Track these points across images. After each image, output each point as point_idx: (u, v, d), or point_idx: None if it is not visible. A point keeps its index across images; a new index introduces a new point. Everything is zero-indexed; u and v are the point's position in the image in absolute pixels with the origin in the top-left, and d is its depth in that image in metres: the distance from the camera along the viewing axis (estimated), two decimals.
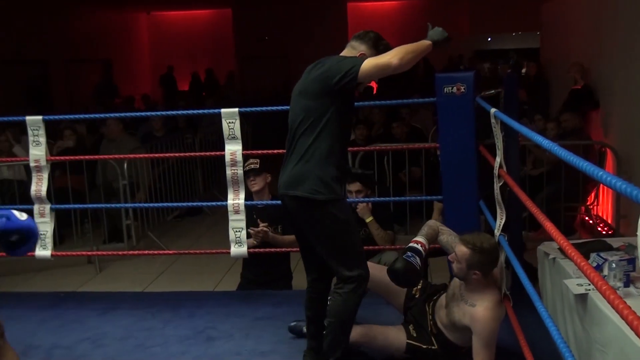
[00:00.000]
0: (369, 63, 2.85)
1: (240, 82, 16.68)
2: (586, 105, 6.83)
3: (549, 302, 3.58)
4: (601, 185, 6.32)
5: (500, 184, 3.36)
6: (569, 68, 7.34)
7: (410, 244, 3.23)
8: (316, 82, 2.95)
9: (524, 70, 10.39)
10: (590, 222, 6.44)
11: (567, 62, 7.65)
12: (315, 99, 2.95)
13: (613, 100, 6.47)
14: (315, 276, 3.26)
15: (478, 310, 3.14)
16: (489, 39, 16.80)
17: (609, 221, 6.27)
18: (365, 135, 7.81)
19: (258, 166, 4.51)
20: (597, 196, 6.49)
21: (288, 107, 4.69)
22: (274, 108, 4.38)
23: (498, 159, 3.35)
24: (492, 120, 3.37)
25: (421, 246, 3.23)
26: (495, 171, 3.40)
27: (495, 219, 3.57)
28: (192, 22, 17.78)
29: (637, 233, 1.26)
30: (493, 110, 3.37)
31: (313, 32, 15.69)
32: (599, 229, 6.22)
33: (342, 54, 3.13)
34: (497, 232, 3.48)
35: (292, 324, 3.83)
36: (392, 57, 2.83)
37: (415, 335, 3.45)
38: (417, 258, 3.17)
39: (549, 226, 2.14)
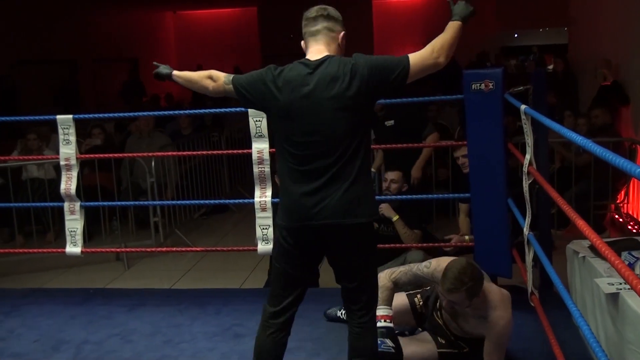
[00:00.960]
0: (416, 62, 2.59)
1: None
2: (616, 102, 6.73)
3: (578, 301, 3.54)
4: (632, 182, 6.25)
5: (530, 181, 3.33)
6: (598, 64, 7.25)
7: (377, 325, 3.04)
8: (361, 93, 2.56)
9: (550, 67, 10.26)
10: (621, 220, 6.35)
11: (596, 58, 7.55)
12: (358, 114, 2.60)
13: None
14: (284, 306, 2.80)
15: (491, 320, 3.13)
16: (516, 35, 16.62)
17: None
18: None
19: None
20: (627, 194, 6.40)
21: None
22: None
23: (528, 156, 3.32)
24: (522, 117, 3.33)
25: (386, 320, 3.27)
26: (525, 168, 3.37)
27: (524, 217, 3.54)
28: (218, 20, 17.84)
29: None
30: (523, 106, 3.34)
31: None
32: (629, 227, 6.12)
33: (317, 44, 2.70)
34: (525, 231, 3.45)
35: (328, 310, 3.87)
36: (438, 55, 2.60)
37: (443, 342, 3.43)
38: (389, 340, 3.23)
39: (580, 224, 2.11)
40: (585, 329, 2.14)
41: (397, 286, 3.41)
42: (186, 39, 18.04)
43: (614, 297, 2.86)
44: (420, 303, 3.56)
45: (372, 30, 16.64)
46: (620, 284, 2.87)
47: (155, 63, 3.30)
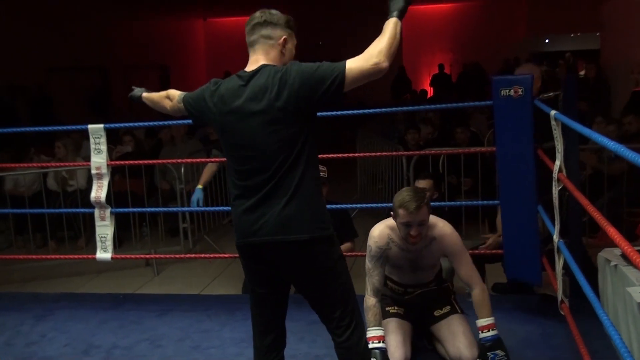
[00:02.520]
0: (353, 68, 2.36)
1: None
2: None
3: (610, 310, 3.48)
4: None
5: (559, 188, 3.29)
6: (631, 69, 7.16)
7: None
8: (290, 105, 2.40)
9: (582, 73, 10.15)
10: None
11: (630, 63, 7.46)
12: (292, 125, 2.44)
13: None
14: (270, 341, 2.74)
15: (439, 235, 3.41)
16: (546, 41, 16.46)
17: None
18: (417, 140, 7.75)
19: (326, 175, 4.53)
20: None
21: (339, 113, 4.74)
22: (328, 113, 4.41)
23: (558, 163, 3.29)
24: (552, 123, 3.30)
25: (378, 341, 3.27)
26: (555, 175, 3.33)
27: (554, 224, 3.50)
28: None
29: None
30: (553, 112, 3.30)
31: (367, 36, 15.65)
32: None
33: (255, 54, 2.56)
34: (555, 238, 3.41)
35: None
36: (378, 60, 2.33)
37: (401, 310, 3.61)
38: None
39: (611, 232, 2.08)
40: (617, 339, 2.10)
41: (378, 293, 3.42)
42: (216, 46, 18.18)
43: None
44: (395, 308, 3.62)
45: (401, 36, 16.61)
46: None
47: (132, 87, 3.41)
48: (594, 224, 5.85)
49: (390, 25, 2.44)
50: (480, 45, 15.96)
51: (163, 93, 3.04)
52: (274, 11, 2.59)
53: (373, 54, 2.35)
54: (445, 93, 13.70)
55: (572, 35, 15.53)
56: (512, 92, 3.87)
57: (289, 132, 2.44)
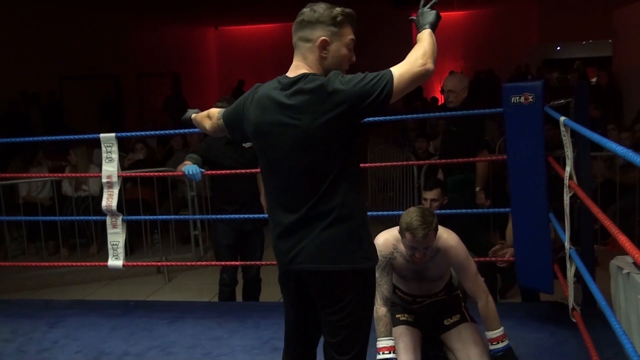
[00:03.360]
0: (401, 75, 2.23)
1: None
2: None
3: (622, 318, 3.46)
4: None
5: (570, 195, 3.28)
6: None
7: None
8: (332, 120, 2.22)
9: (594, 80, 10.12)
10: None
11: None
12: (334, 141, 2.27)
13: None
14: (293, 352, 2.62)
15: (444, 247, 3.34)
16: (558, 48, 16.43)
17: None
18: (425, 148, 7.74)
19: None
20: None
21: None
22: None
23: (568, 169, 3.27)
24: (562, 129, 3.29)
25: (389, 352, 3.26)
26: (566, 182, 3.32)
27: (565, 232, 3.49)
28: (258, 36, 18.03)
29: None
30: (562, 118, 3.29)
31: (379, 44, 15.69)
32: None
33: (295, 59, 2.39)
34: (567, 245, 3.39)
35: None
36: (424, 61, 2.25)
37: (412, 317, 3.57)
38: None
39: (622, 239, 2.07)
40: (629, 348, 2.09)
41: (388, 302, 3.39)
42: (227, 54, 18.26)
43: None
44: (405, 316, 3.59)
45: (412, 44, 16.62)
46: None
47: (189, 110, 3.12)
48: (606, 232, 5.83)
49: (426, 35, 2.39)
50: (491, 53, 15.96)
51: (204, 113, 2.86)
52: (318, 6, 2.36)
53: (418, 57, 2.27)
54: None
55: (583, 43, 15.49)
56: (522, 99, 3.85)
57: (328, 150, 2.27)
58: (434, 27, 2.44)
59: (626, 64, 8.99)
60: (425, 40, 2.35)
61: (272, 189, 2.41)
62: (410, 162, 6.63)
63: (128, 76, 14.18)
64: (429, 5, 2.50)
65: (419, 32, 2.43)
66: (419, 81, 2.28)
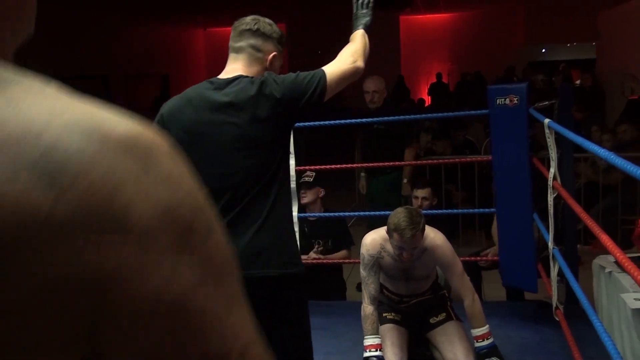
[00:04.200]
0: (332, 72, 2.23)
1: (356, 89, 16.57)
2: None
3: (604, 316, 3.50)
4: None
5: (554, 195, 3.32)
6: (625, 78, 7.21)
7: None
8: (272, 116, 2.17)
9: (578, 82, 10.20)
10: None
11: (624, 72, 7.50)
12: (268, 142, 2.21)
13: None
14: None
15: (430, 246, 3.34)
16: (543, 50, 16.54)
17: None
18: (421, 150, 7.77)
19: (311, 180, 4.55)
20: None
21: (343, 122, 4.77)
22: (329, 122, 4.44)
23: (552, 170, 3.31)
24: (546, 131, 3.33)
25: (377, 349, 3.28)
26: (550, 182, 3.36)
27: (549, 231, 3.52)
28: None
29: None
30: (547, 120, 3.33)
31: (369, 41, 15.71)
32: None
33: (235, 63, 2.30)
34: (550, 245, 3.43)
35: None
36: (355, 58, 2.29)
37: (399, 316, 3.59)
38: None
39: (604, 239, 2.11)
40: (610, 345, 2.12)
41: (375, 300, 3.41)
42: (216, 55, 18.19)
43: (639, 313, 2.83)
44: (392, 315, 3.60)
45: (399, 46, 16.68)
46: None
47: None
48: (589, 232, 5.87)
49: (359, 35, 2.47)
50: (477, 55, 16.02)
51: None
52: (269, 21, 2.35)
53: (348, 56, 2.32)
54: (443, 102, 13.75)
55: (568, 45, 15.60)
56: (507, 101, 3.89)
57: (264, 150, 2.20)
58: (367, 28, 2.52)
59: (610, 66, 9.06)
60: (357, 40, 2.42)
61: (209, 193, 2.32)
62: (397, 163, 6.63)
63: (116, 77, 14.15)
64: (363, 7, 2.57)
65: (352, 32, 2.50)
66: (350, 79, 2.30)
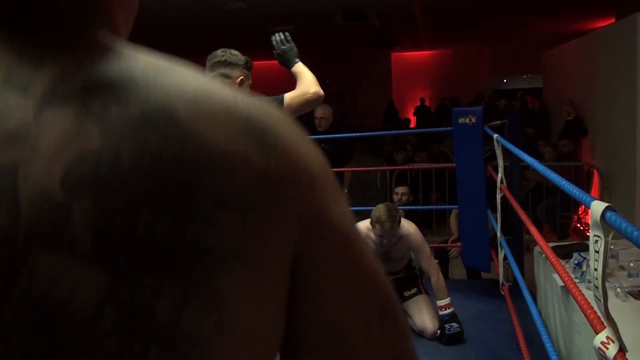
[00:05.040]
0: (292, 99, 2.18)
1: (307, 115, 16.71)
2: (577, 133, 6.63)
3: (541, 292, 3.48)
4: None
5: (501, 195, 3.30)
6: (563, 103, 7.17)
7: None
8: None
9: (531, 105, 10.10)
10: (582, 228, 6.23)
11: (563, 98, 7.48)
12: None
13: (597, 129, 6.28)
14: None
15: (405, 234, 3.35)
16: (505, 80, 16.49)
17: None
18: (405, 158, 7.75)
19: None
20: (585, 207, 6.29)
21: (345, 135, 4.77)
22: (332, 136, 4.45)
23: (499, 176, 3.30)
24: (495, 144, 3.32)
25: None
26: (498, 185, 3.34)
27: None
28: (271, 70, 17.98)
29: (590, 233, 1.23)
30: (495, 135, 3.32)
31: (364, 76, 15.71)
32: (588, 234, 6.00)
33: None
34: (498, 234, 3.42)
35: None
36: (317, 88, 2.21)
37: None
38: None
39: (533, 230, 2.10)
40: (535, 314, 2.12)
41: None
42: None
43: (565, 289, 2.81)
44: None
45: (390, 77, 16.65)
46: (572, 278, 2.82)
47: None
48: (537, 225, 5.84)
49: (302, 68, 2.32)
50: (453, 84, 15.98)
51: None
52: (234, 51, 2.27)
53: (310, 86, 2.22)
54: (425, 121, 13.72)
55: (524, 76, 15.53)
56: (467, 120, 3.88)
57: None
58: (299, 58, 2.36)
59: (552, 93, 9.03)
60: (306, 72, 2.29)
61: None
62: (385, 168, 6.66)
63: None
64: (284, 43, 2.39)
65: (289, 67, 2.34)
66: (313, 105, 2.24)
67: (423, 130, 5.08)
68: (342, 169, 4.89)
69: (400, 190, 4.85)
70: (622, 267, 3.03)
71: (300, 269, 0.44)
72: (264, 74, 17.96)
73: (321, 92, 2.20)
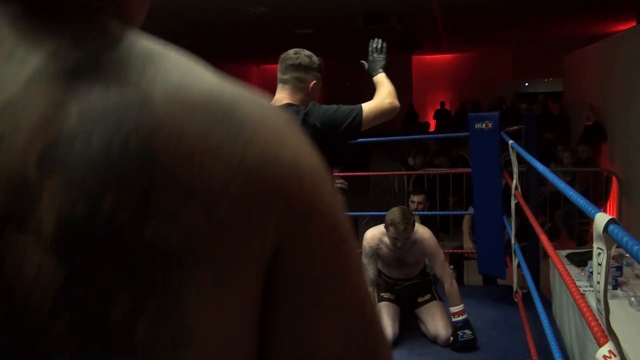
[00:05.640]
0: (370, 110, 2.13)
1: None
2: (597, 138, 6.53)
3: (557, 300, 3.44)
4: (608, 205, 6.05)
5: (515, 202, 3.27)
6: (583, 107, 7.08)
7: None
8: (312, 140, 1.82)
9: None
10: None
11: (583, 103, 7.38)
12: None
13: (617, 134, 6.19)
14: None
15: (420, 240, 3.33)
16: (527, 84, 16.31)
17: None
18: (423, 162, 7.71)
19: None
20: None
21: (364, 140, 4.75)
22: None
23: (514, 182, 3.27)
24: (510, 150, 3.29)
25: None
26: (512, 192, 3.31)
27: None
28: None
29: (594, 245, 1.22)
30: (511, 142, 3.29)
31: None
32: None
33: (282, 93, 2.24)
34: (512, 241, 3.38)
35: None
36: (392, 100, 2.18)
37: (393, 296, 3.56)
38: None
39: (543, 238, 2.08)
40: (545, 322, 2.09)
41: (373, 283, 3.41)
42: (267, 86, 18.30)
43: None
44: (388, 295, 3.57)
45: (411, 80, 16.59)
46: (587, 286, 2.79)
47: None
48: (555, 230, 5.77)
49: (383, 78, 2.30)
50: (474, 87, 15.86)
51: None
52: (307, 52, 2.26)
53: (385, 97, 2.18)
54: (445, 125, 13.64)
55: (545, 80, 15.35)
56: (483, 126, 3.85)
57: None
58: (384, 69, 2.35)
59: (573, 97, 8.91)
60: (385, 83, 2.27)
61: None
62: (399, 172, 6.64)
63: None
64: (378, 52, 2.39)
65: (372, 75, 2.34)
66: (388, 116, 2.19)
67: (439, 135, 5.06)
68: (362, 174, 4.90)
69: (417, 199, 4.81)
70: (637, 276, 2.99)
71: (276, 279, 0.41)
72: None
73: (397, 104, 2.17)
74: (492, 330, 3.53)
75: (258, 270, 0.40)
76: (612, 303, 2.45)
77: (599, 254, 1.13)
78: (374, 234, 3.44)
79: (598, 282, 1.14)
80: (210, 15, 7.06)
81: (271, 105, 0.45)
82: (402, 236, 3.19)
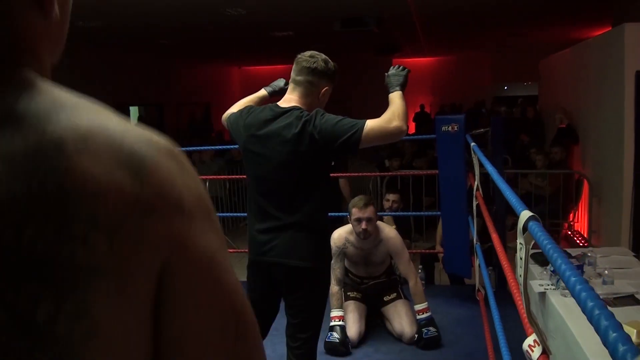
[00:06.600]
0: (372, 128, 2.01)
1: None
2: (569, 141, 6.64)
3: (532, 299, 3.50)
4: (579, 206, 6.17)
5: (476, 203, 3.34)
6: (556, 111, 7.19)
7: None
8: (309, 150, 2.06)
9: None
10: (572, 235, 6.25)
11: (556, 106, 7.50)
12: (308, 167, 2.11)
13: (588, 137, 6.30)
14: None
15: (385, 238, 3.45)
16: (505, 88, 16.50)
17: (585, 235, 6.07)
18: (398, 165, 7.78)
19: None
20: (575, 215, 6.32)
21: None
22: None
23: (476, 183, 3.34)
24: (472, 153, 3.35)
25: (340, 320, 3.36)
26: (474, 193, 3.38)
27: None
28: (274, 74, 17.96)
29: (517, 241, 1.28)
30: (472, 144, 3.35)
31: (364, 81, 15.73)
32: (577, 241, 6.02)
33: (293, 94, 2.20)
34: (475, 241, 3.45)
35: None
36: (400, 123, 2.05)
37: (359, 295, 3.64)
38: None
39: (494, 237, 2.14)
40: (496, 320, 2.15)
41: (340, 282, 3.46)
42: (249, 88, 18.20)
43: (542, 295, 2.84)
44: (354, 293, 3.64)
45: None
46: (548, 284, 2.85)
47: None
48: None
49: (397, 97, 2.18)
50: (453, 90, 16.01)
51: (245, 100, 2.55)
52: (324, 57, 2.20)
53: (393, 118, 2.06)
54: (425, 127, 13.73)
55: (524, 84, 15.55)
56: (450, 128, 3.91)
57: (305, 172, 2.10)
58: (403, 88, 2.25)
59: (547, 101, 9.04)
60: (397, 102, 2.15)
61: (256, 194, 2.22)
62: (376, 174, 6.70)
63: (170, 104, 14.30)
64: (401, 68, 2.31)
65: (390, 91, 2.23)
66: (392, 138, 2.10)
67: (412, 137, 5.16)
68: (337, 174, 4.94)
69: (392, 197, 4.89)
70: (599, 275, 3.06)
71: (164, 288, 0.51)
72: (264, 79, 18.07)
73: (404, 128, 2.06)
74: (457, 328, 3.60)
75: (150, 282, 0.50)
76: (572, 301, 2.53)
77: (520, 248, 1.19)
78: (340, 233, 3.49)
79: (520, 276, 1.20)
80: (189, 16, 7.06)
81: (166, 147, 0.54)
82: (364, 215, 3.29)
